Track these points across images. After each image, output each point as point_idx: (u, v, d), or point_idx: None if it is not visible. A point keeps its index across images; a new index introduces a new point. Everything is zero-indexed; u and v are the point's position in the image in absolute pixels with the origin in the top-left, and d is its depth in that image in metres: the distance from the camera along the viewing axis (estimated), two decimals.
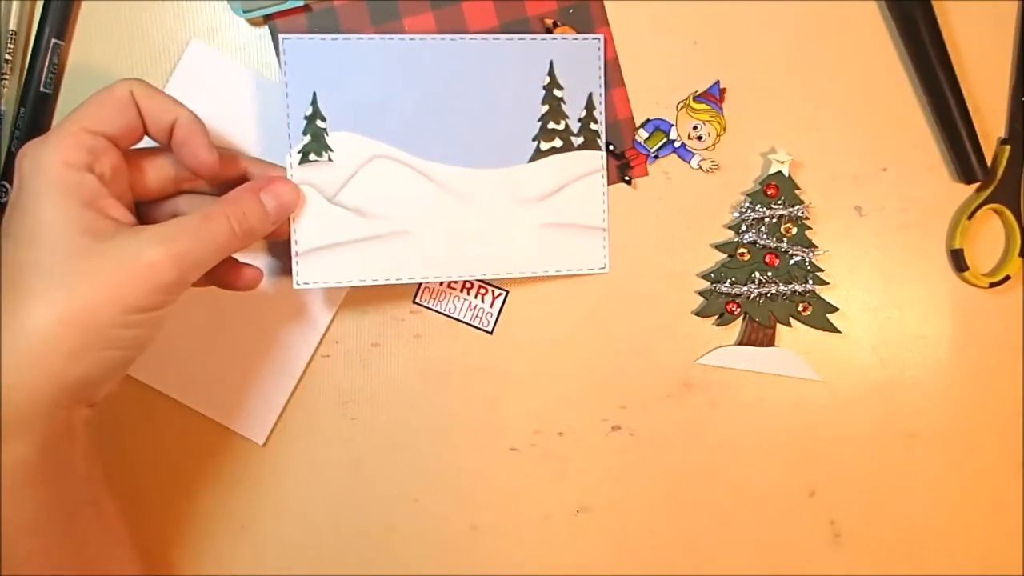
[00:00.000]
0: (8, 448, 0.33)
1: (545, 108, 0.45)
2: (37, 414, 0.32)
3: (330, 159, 0.42)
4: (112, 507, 0.39)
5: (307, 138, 0.42)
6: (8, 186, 0.44)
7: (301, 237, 0.42)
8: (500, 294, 0.46)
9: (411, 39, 0.44)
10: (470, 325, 0.46)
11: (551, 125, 0.45)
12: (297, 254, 0.42)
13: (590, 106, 0.45)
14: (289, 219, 0.41)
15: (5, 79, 0.44)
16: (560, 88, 0.45)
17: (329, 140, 0.42)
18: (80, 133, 0.34)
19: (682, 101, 0.46)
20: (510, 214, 0.45)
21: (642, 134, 0.46)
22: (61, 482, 0.35)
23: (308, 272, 0.42)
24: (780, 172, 0.46)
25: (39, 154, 0.33)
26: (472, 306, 0.46)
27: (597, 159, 0.45)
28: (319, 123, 0.42)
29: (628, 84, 0.46)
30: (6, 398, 0.32)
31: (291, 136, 0.42)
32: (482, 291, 0.46)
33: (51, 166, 0.33)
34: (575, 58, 0.45)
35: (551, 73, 0.45)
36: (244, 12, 0.44)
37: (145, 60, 0.45)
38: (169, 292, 0.34)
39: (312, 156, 0.42)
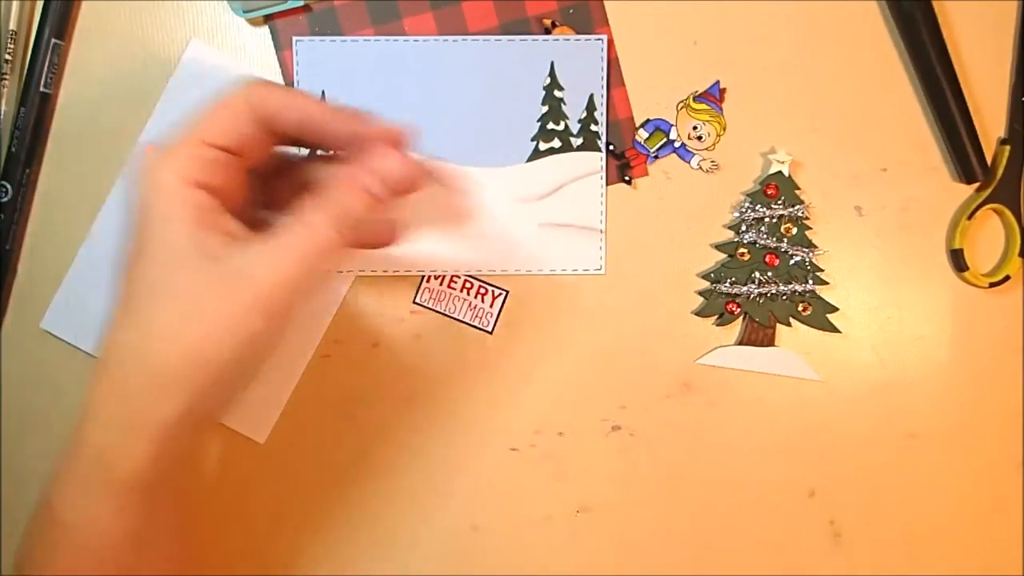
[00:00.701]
0: (127, 463, 0.32)
1: (545, 109, 0.45)
2: (163, 436, 0.32)
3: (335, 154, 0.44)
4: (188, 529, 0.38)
5: None
6: (8, 187, 0.44)
7: None
8: (500, 294, 0.46)
9: (415, 41, 0.44)
10: (470, 325, 0.46)
11: (550, 126, 0.45)
12: None
13: (591, 107, 0.45)
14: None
15: (5, 79, 0.44)
16: (560, 89, 0.45)
17: None
18: (198, 146, 0.33)
19: (682, 101, 0.46)
20: (508, 213, 0.45)
21: (642, 134, 0.46)
22: (169, 501, 0.35)
23: None
24: (780, 172, 0.46)
25: (156, 169, 0.32)
26: (472, 306, 0.46)
27: (596, 160, 0.45)
28: None
29: (628, 84, 0.46)
30: (136, 417, 0.32)
31: None
32: (482, 291, 0.46)
33: (166, 183, 0.32)
34: (577, 59, 0.45)
35: (552, 74, 0.45)
36: (244, 12, 0.44)
37: (145, 60, 0.45)
38: (287, 311, 0.33)
39: (319, 151, 0.43)
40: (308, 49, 0.44)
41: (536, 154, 0.45)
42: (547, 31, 0.45)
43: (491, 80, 0.45)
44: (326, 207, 0.33)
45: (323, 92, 0.44)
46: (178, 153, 0.33)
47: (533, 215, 0.45)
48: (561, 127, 0.45)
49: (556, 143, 0.45)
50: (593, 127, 0.45)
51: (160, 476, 0.33)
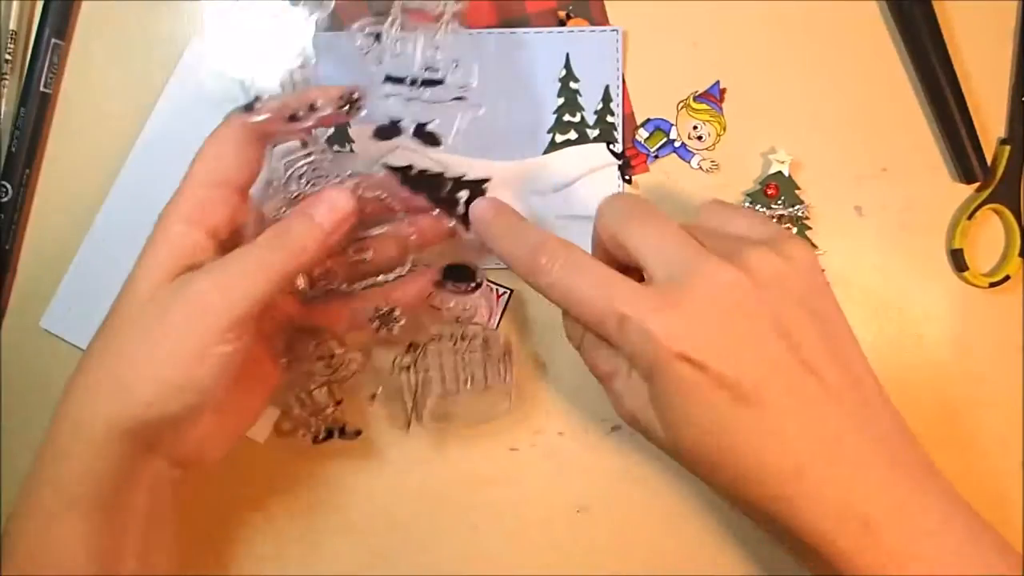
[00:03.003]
0: (61, 470, 0.35)
1: (561, 101, 0.45)
2: (93, 448, 0.34)
3: (352, 150, 0.44)
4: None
5: (331, 130, 0.44)
6: (8, 187, 0.44)
7: None
8: (504, 293, 0.46)
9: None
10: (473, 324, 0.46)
11: (566, 118, 0.45)
12: None
13: (607, 99, 0.45)
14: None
15: (5, 79, 0.44)
16: (576, 80, 0.45)
17: (352, 132, 0.44)
18: (196, 188, 0.36)
19: (682, 101, 0.46)
20: (525, 206, 0.45)
21: (642, 134, 0.46)
22: (112, 520, 0.35)
23: None
24: (780, 172, 0.46)
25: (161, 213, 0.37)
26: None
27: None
28: (326, 145, 0.43)
29: (628, 84, 0.46)
30: (69, 426, 0.35)
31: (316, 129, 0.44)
32: (485, 291, 0.46)
33: (161, 224, 0.36)
34: (591, 50, 0.45)
35: (567, 66, 0.45)
36: None
37: (145, 60, 0.45)
38: (221, 327, 0.34)
39: (336, 147, 0.44)
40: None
41: (553, 146, 0.45)
42: (561, 23, 0.45)
43: (506, 73, 0.45)
44: (276, 232, 0.36)
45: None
46: (177, 197, 0.36)
47: (550, 208, 0.45)
48: (577, 119, 0.45)
49: (572, 135, 0.45)
50: (609, 119, 0.45)
51: (119, 497, 0.35)
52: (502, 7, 0.45)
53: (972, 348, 0.48)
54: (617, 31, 0.45)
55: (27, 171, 0.44)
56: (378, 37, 0.38)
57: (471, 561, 0.46)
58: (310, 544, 0.46)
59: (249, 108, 0.37)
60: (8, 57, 0.44)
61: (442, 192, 0.40)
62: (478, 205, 0.39)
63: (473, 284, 0.42)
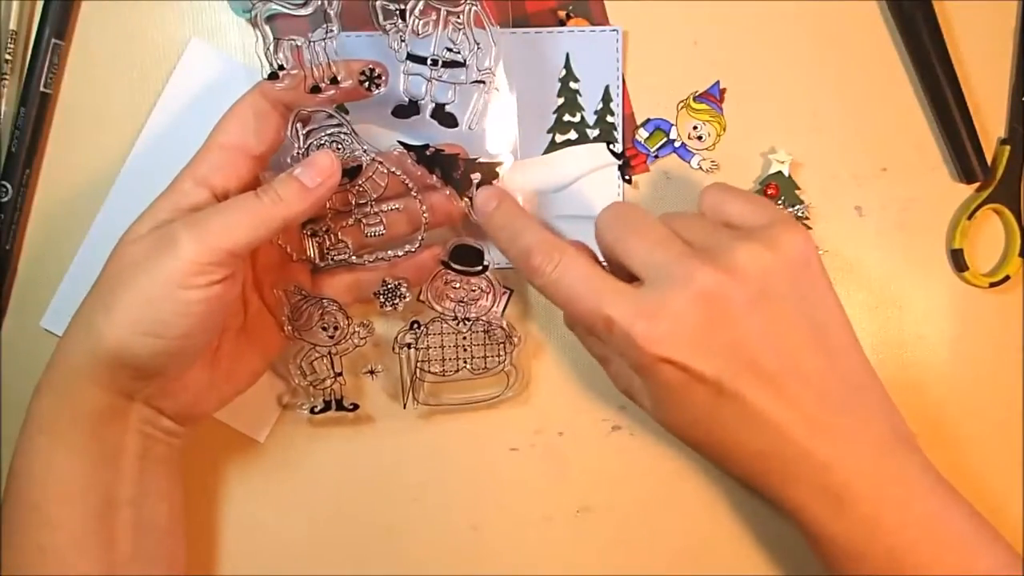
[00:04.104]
0: (44, 405, 0.37)
1: (560, 101, 0.45)
2: (77, 386, 0.36)
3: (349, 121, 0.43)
4: (167, 528, 0.40)
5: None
6: (8, 187, 0.44)
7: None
8: (504, 293, 0.46)
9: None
10: None
11: (566, 117, 0.45)
12: None
13: (607, 99, 0.45)
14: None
15: (5, 79, 0.44)
16: (576, 80, 0.45)
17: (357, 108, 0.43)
18: (212, 150, 0.38)
19: (682, 101, 0.46)
20: (525, 206, 0.44)
21: (642, 134, 0.46)
22: (102, 468, 0.37)
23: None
24: (780, 172, 0.46)
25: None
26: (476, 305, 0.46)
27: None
28: (343, 116, 0.43)
29: (628, 84, 0.46)
30: (55, 362, 0.37)
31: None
32: (486, 290, 0.46)
33: (175, 184, 0.38)
34: (591, 50, 0.45)
35: (567, 66, 0.45)
36: (244, 12, 0.44)
37: (145, 60, 0.45)
38: (183, 270, 0.34)
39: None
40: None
41: (552, 146, 0.45)
42: (561, 23, 0.45)
43: (507, 72, 0.44)
44: (262, 188, 0.37)
45: None
46: (195, 157, 0.38)
47: (550, 208, 0.45)
48: (577, 119, 0.45)
49: (572, 135, 0.45)
50: (609, 118, 0.45)
51: (105, 436, 0.37)
52: (502, 8, 0.45)
53: (972, 348, 0.48)
54: (617, 31, 0.45)
55: (27, 171, 0.44)
56: (402, 15, 0.39)
57: (471, 561, 0.46)
58: (308, 545, 0.46)
59: (273, 77, 0.38)
60: (8, 57, 0.44)
61: (455, 173, 0.40)
62: (482, 193, 0.40)
63: (480, 267, 0.42)
